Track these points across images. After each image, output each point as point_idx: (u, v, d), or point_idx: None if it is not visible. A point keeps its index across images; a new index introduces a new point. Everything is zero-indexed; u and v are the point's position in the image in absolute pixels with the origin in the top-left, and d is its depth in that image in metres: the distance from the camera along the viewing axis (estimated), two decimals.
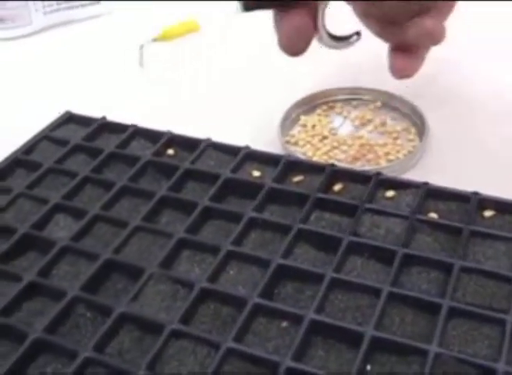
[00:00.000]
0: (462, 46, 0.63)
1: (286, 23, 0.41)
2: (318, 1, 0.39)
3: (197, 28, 0.43)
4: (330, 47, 0.43)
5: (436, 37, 0.44)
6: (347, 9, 0.45)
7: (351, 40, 0.44)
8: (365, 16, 0.45)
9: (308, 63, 0.64)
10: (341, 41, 0.44)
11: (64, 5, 0.80)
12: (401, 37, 0.44)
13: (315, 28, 0.42)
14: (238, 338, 0.35)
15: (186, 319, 0.37)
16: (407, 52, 0.45)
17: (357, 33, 0.44)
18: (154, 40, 0.43)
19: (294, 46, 0.41)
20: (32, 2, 0.78)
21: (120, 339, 0.37)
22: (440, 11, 0.44)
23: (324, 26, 0.42)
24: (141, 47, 0.43)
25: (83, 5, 0.81)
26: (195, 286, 0.38)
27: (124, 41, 0.73)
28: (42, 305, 0.40)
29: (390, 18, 0.44)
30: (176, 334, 0.36)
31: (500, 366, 0.33)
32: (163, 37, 0.44)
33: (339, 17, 0.45)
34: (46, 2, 0.78)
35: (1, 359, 0.36)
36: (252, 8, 0.39)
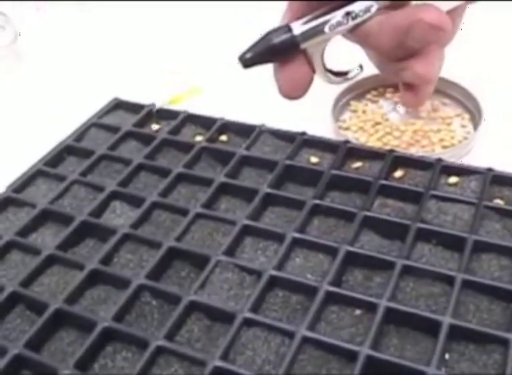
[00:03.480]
0: None
1: (284, 74, 0.42)
2: (313, 49, 0.40)
3: (200, 91, 0.51)
4: (331, 82, 0.44)
5: (428, 79, 0.43)
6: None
7: (351, 74, 0.43)
8: (365, 53, 0.45)
9: (358, 49, 0.63)
10: (341, 76, 0.44)
11: None
12: (398, 77, 0.44)
13: (314, 70, 0.42)
14: (311, 327, 0.35)
15: (255, 307, 0.36)
16: (410, 89, 0.45)
17: (360, 67, 0.44)
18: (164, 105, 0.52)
19: (293, 93, 0.43)
20: None
21: (189, 328, 0.36)
22: (432, 51, 0.43)
23: (323, 65, 0.42)
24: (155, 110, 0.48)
25: None
26: (263, 274, 0.38)
27: (171, 28, 0.73)
28: (106, 294, 0.39)
29: (385, 59, 0.44)
30: (247, 323, 0.35)
31: None
32: (171, 102, 0.52)
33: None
34: None
35: (71, 348, 0.36)
36: (250, 65, 0.41)
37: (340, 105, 0.57)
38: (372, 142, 0.53)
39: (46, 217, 0.44)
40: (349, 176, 0.45)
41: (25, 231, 0.43)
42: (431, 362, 0.32)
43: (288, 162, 0.46)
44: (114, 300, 0.38)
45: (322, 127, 0.53)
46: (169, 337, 0.35)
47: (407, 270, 0.38)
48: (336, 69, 0.43)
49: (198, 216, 0.43)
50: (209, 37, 0.70)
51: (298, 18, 0.40)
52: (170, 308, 0.37)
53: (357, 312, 0.36)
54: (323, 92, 0.57)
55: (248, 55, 0.40)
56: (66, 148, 0.51)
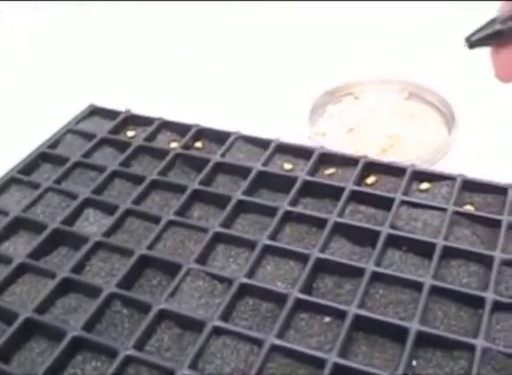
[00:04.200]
0: None
1: (501, 57, 0.45)
2: None
3: None
4: None
5: None
6: None
7: None
8: None
9: (335, 55, 0.64)
10: None
11: None
12: None
13: None
14: (280, 334, 0.35)
15: (225, 315, 0.37)
16: None
17: None
18: None
19: (506, 76, 0.46)
20: None
21: (159, 336, 0.36)
22: None
23: None
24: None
25: None
26: (233, 282, 0.38)
27: (153, 34, 0.73)
28: (77, 302, 0.39)
29: None
30: (217, 331, 0.35)
31: None
32: None
33: None
34: None
35: (40, 357, 0.36)
36: (476, 46, 0.45)
37: (317, 110, 0.57)
38: (348, 147, 0.53)
39: (19, 225, 0.44)
40: (322, 182, 0.45)
41: None
42: (398, 368, 0.33)
43: (262, 168, 0.46)
44: (85, 309, 0.38)
45: (297, 133, 0.53)
46: (139, 346, 0.35)
47: (377, 277, 0.38)
48: None
49: (171, 223, 0.43)
50: (188, 45, 0.70)
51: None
52: (141, 317, 0.37)
53: (327, 319, 0.36)
54: (300, 97, 0.57)
55: (475, 38, 0.44)
56: (41, 154, 0.50)
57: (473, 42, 0.45)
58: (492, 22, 0.45)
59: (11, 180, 0.48)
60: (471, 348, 0.33)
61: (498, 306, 0.35)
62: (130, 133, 0.53)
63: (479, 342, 0.33)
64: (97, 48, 0.72)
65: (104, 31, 0.76)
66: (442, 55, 0.63)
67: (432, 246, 0.39)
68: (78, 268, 0.41)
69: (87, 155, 0.50)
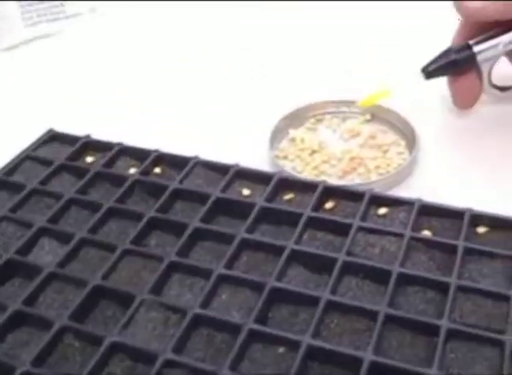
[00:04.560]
0: None
1: (460, 85, 0.52)
2: (484, 64, 0.49)
3: (389, 95, 0.53)
4: (496, 97, 0.53)
5: None
6: None
7: None
8: None
9: (296, 76, 0.64)
10: (504, 90, 0.53)
11: (45, 17, 0.79)
12: None
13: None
14: (234, 366, 0.35)
15: (179, 347, 0.36)
16: None
17: None
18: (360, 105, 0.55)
19: (465, 103, 0.53)
20: (12, 15, 0.76)
21: (111, 369, 0.36)
22: None
23: (490, 81, 0.51)
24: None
25: (66, 17, 0.79)
26: (187, 312, 0.37)
27: (114, 52, 0.73)
28: (28, 336, 0.38)
29: None
30: (169, 364, 0.35)
31: None
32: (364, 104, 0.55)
33: None
34: (26, 15, 0.77)
35: None
36: (433, 76, 0.50)
37: (278, 134, 0.57)
38: (309, 171, 0.53)
39: None
40: (279, 208, 0.45)
41: None
42: None
43: (220, 194, 0.46)
44: (36, 342, 0.37)
45: (258, 156, 0.53)
46: None
47: (333, 305, 0.38)
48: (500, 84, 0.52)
49: (126, 252, 0.42)
50: (150, 70, 0.70)
51: (470, 38, 0.49)
52: (93, 350, 0.37)
53: (281, 349, 0.36)
54: (261, 120, 0.57)
55: (431, 68, 0.50)
56: None
57: (429, 72, 0.49)
58: (447, 52, 0.49)
59: None
60: None
61: (452, 334, 0.35)
62: (89, 159, 0.52)
63: (433, 372, 0.33)
64: (58, 69, 0.71)
65: (65, 51, 0.76)
66: (405, 76, 0.63)
67: (389, 273, 0.39)
68: (31, 300, 0.40)
69: (43, 182, 0.50)
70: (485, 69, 0.50)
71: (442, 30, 0.53)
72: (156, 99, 0.61)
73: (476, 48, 0.49)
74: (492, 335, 0.35)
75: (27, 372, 0.35)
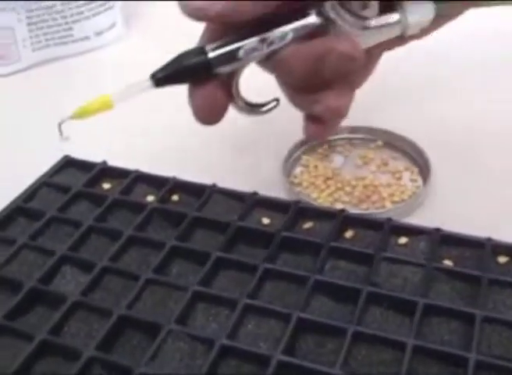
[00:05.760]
0: (464, 83, 0.64)
1: (198, 96, 0.42)
2: (228, 74, 0.41)
3: (109, 105, 0.42)
4: (246, 113, 0.45)
5: (340, 113, 0.45)
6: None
7: (267, 107, 0.45)
8: (278, 83, 0.46)
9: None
10: (257, 107, 0.45)
11: (53, 41, 0.79)
12: (309, 109, 0.45)
13: (230, 97, 0.43)
14: None
15: None
16: (317, 121, 0.46)
17: (276, 100, 0.45)
18: (71, 118, 0.42)
19: (207, 118, 0.43)
20: (20, 38, 0.76)
21: None
22: (346, 85, 0.45)
23: (237, 93, 0.43)
24: (59, 124, 0.42)
25: (73, 41, 0.80)
26: (215, 343, 0.38)
27: (122, 77, 0.73)
28: (56, 366, 0.38)
29: (298, 89, 0.45)
30: None
31: None
32: (78, 115, 0.43)
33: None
34: (35, 39, 0.77)
35: None
36: (162, 85, 0.41)
37: (292, 160, 0.58)
38: (323, 198, 0.53)
39: None
40: (300, 238, 0.45)
41: None
42: None
43: (239, 223, 0.46)
44: (64, 373, 0.37)
45: (273, 183, 0.53)
46: None
47: (359, 336, 0.38)
48: (254, 101, 0.45)
49: (149, 281, 0.43)
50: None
51: (215, 41, 0.41)
52: None
53: None
54: (275, 146, 0.58)
55: (160, 75, 0.40)
56: (17, 209, 0.50)
57: (158, 80, 0.41)
58: (180, 57, 0.41)
59: None
60: None
61: (480, 366, 0.36)
62: (106, 186, 0.52)
63: None
64: (67, 92, 0.72)
65: (74, 75, 0.76)
66: (414, 102, 0.64)
67: (413, 303, 0.39)
68: (56, 329, 0.40)
69: (62, 209, 0.50)
70: (229, 79, 0.43)
71: None
72: (169, 126, 0.62)
73: (211, 54, 0.41)
74: None
75: None
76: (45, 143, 0.61)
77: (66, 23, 0.79)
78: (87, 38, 0.82)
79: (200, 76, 0.41)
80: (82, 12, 0.80)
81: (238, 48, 0.40)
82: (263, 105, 0.45)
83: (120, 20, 0.85)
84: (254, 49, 0.40)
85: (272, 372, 0.36)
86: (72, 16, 0.79)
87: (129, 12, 0.87)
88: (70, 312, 0.41)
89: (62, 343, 0.39)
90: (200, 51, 0.41)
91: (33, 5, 0.76)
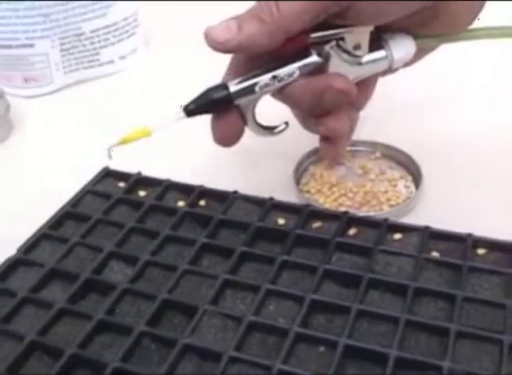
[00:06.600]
0: (452, 97, 0.72)
1: (219, 125, 0.52)
2: (246, 104, 0.51)
3: (149, 134, 0.51)
4: (261, 135, 0.55)
5: (341, 133, 0.55)
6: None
7: (278, 129, 0.55)
8: (290, 108, 0.56)
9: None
10: (270, 130, 0.55)
11: (82, 64, 0.88)
12: (316, 131, 0.56)
13: (246, 122, 0.53)
14: (285, 362, 0.43)
15: (238, 347, 0.44)
16: (327, 141, 0.57)
17: (286, 123, 0.55)
18: (118, 144, 0.52)
19: (225, 143, 0.53)
20: (54, 63, 0.85)
21: (183, 365, 0.44)
22: (344, 110, 0.54)
23: (254, 120, 0.53)
24: (109, 150, 0.52)
25: (100, 64, 0.88)
26: (243, 320, 0.46)
27: (142, 96, 0.82)
28: (111, 340, 0.46)
29: (305, 115, 0.55)
30: (232, 360, 0.43)
31: None
32: (123, 142, 0.52)
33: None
34: (66, 62, 0.86)
35: None
36: (192, 115, 0.50)
37: (301, 170, 0.66)
38: (329, 203, 0.62)
39: (54, 275, 0.52)
40: (310, 235, 0.53)
41: (36, 288, 0.51)
42: None
43: (259, 224, 0.55)
44: (119, 345, 0.45)
45: (284, 190, 0.61)
46: (168, 373, 0.43)
47: (361, 313, 0.46)
48: (266, 124, 0.54)
49: (185, 271, 0.51)
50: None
51: (242, 73, 0.51)
52: (168, 351, 0.45)
53: (322, 348, 0.44)
54: (286, 159, 0.66)
55: (191, 107, 0.50)
56: (66, 213, 0.58)
57: (190, 111, 0.50)
58: (207, 91, 0.50)
59: (42, 236, 0.56)
60: (439, 369, 0.42)
61: (460, 334, 0.44)
62: (142, 193, 0.61)
63: (446, 364, 0.42)
64: (99, 113, 0.80)
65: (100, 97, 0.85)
66: (408, 118, 0.72)
67: (405, 287, 0.48)
68: (110, 311, 0.48)
69: (106, 212, 0.58)
70: (246, 108, 0.51)
71: None
72: (196, 144, 0.70)
73: (233, 89, 0.49)
74: (493, 335, 0.43)
75: (118, 367, 0.43)
76: (85, 156, 0.70)
77: (94, 49, 0.88)
78: (111, 62, 0.90)
79: (223, 108, 0.51)
80: (108, 39, 0.88)
81: (254, 84, 0.50)
82: (275, 128, 0.55)
83: (141, 45, 0.94)
84: (267, 84, 0.50)
85: (290, 342, 0.44)
86: (99, 42, 0.88)
87: (149, 38, 0.96)
88: (120, 298, 0.49)
89: (116, 321, 0.47)
90: (223, 87, 0.50)
91: (66, 33, 0.84)
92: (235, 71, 0.52)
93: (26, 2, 0.80)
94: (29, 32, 0.82)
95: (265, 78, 0.50)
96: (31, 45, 0.83)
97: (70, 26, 0.84)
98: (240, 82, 0.50)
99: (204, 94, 0.50)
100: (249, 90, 0.50)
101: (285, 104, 0.54)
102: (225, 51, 0.49)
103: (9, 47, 0.83)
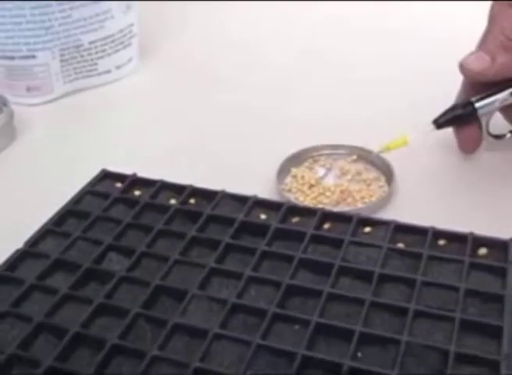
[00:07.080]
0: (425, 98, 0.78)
1: (463, 135, 0.65)
2: (483, 117, 0.62)
3: (405, 142, 0.65)
4: (492, 141, 0.66)
5: None
6: None
7: (507, 137, 0.66)
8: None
9: (297, 125, 0.79)
10: (501, 137, 0.66)
11: (81, 74, 0.93)
12: None
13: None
14: (263, 338, 0.49)
15: (222, 326, 0.50)
16: None
17: (511, 132, 0.67)
18: (381, 151, 0.67)
19: (468, 149, 0.65)
20: (54, 73, 0.91)
21: (174, 342, 0.50)
22: None
23: (488, 130, 0.64)
24: (376, 155, 0.68)
25: (98, 74, 0.94)
26: (227, 302, 0.52)
27: (137, 104, 0.87)
28: (110, 321, 0.52)
29: None
30: (216, 337, 0.49)
31: (452, 349, 0.46)
32: (386, 149, 0.67)
33: None
34: (65, 72, 0.92)
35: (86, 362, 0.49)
36: (442, 127, 0.63)
37: (283, 171, 0.72)
38: (308, 201, 0.67)
39: (58, 265, 0.57)
40: (289, 228, 0.59)
41: (43, 276, 0.56)
42: (346, 359, 0.47)
43: (243, 218, 0.60)
44: (117, 325, 0.51)
45: (268, 189, 0.67)
46: (160, 349, 0.49)
47: (332, 297, 0.52)
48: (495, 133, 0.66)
49: (176, 261, 0.57)
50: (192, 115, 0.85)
51: (472, 94, 0.62)
52: (160, 330, 0.50)
53: (296, 327, 0.50)
54: (270, 161, 0.72)
55: (441, 120, 0.62)
56: (68, 211, 0.64)
57: (440, 124, 0.63)
58: (454, 107, 0.63)
59: (46, 231, 0.61)
60: (398, 342, 0.47)
61: (418, 314, 0.50)
62: (137, 193, 0.67)
63: (404, 338, 0.48)
64: (97, 120, 0.86)
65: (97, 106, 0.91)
66: (386, 125, 0.78)
67: (372, 273, 0.53)
68: (108, 296, 0.54)
69: (105, 210, 0.64)
70: (484, 121, 0.62)
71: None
72: (184, 147, 0.76)
73: (477, 105, 0.61)
74: (446, 313, 0.49)
75: (116, 344, 0.49)
76: (84, 158, 0.76)
77: (92, 60, 0.94)
78: (108, 71, 0.96)
79: (468, 120, 0.62)
80: (105, 50, 0.94)
81: (495, 99, 0.61)
82: (503, 136, 0.66)
83: (136, 55, 0.99)
84: (505, 99, 0.61)
85: (269, 321, 0.50)
86: (97, 53, 0.93)
87: (143, 49, 1.02)
88: (118, 285, 0.55)
89: (114, 304, 0.53)
90: (468, 102, 0.61)
91: (66, 44, 0.90)
92: (464, 92, 0.64)
93: (28, 15, 0.86)
94: (30, 44, 0.88)
95: (505, 94, 0.60)
96: (33, 56, 0.89)
97: (70, 38, 0.89)
98: (483, 98, 0.61)
99: (450, 110, 0.62)
100: (491, 104, 0.61)
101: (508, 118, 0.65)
102: (482, 79, 0.61)
103: (12, 58, 0.89)
